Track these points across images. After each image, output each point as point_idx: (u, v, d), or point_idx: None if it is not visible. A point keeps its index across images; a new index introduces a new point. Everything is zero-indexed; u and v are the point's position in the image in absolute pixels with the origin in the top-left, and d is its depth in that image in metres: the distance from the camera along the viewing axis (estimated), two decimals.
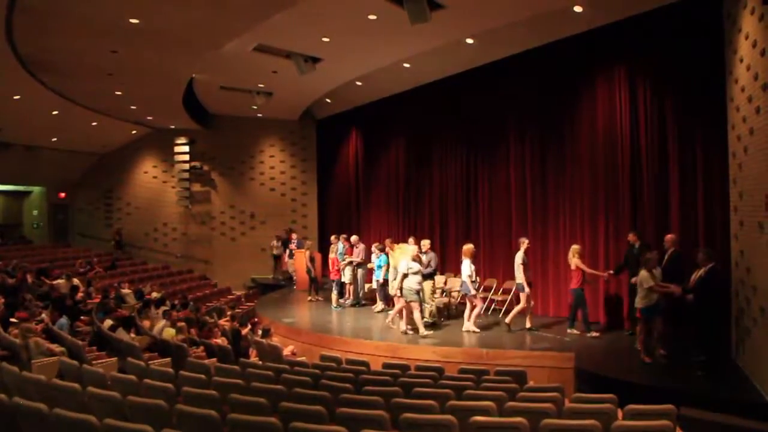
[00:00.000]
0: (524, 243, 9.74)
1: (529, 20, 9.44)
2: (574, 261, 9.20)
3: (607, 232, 10.00)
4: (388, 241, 11.60)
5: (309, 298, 13.40)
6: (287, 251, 16.29)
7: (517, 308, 9.74)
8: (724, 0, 7.96)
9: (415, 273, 9.33)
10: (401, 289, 9.40)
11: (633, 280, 8.56)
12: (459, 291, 10.02)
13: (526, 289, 9.52)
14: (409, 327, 9.61)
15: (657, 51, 9.25)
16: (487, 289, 11.86)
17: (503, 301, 11.25)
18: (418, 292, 9.36)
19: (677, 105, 9.01)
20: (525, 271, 9.50)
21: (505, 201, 12.13)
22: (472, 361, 8.07)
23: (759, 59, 6.17)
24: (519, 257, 9.57)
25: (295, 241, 15.82)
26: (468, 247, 9.70)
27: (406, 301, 9.43)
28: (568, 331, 9.35)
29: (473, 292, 9.49)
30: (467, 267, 9.44)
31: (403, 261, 9.48)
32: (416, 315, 9.37)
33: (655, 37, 9.22)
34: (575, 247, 9.33)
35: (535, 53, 11.03)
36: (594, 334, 9.19)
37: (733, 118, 7.54)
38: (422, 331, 9.32)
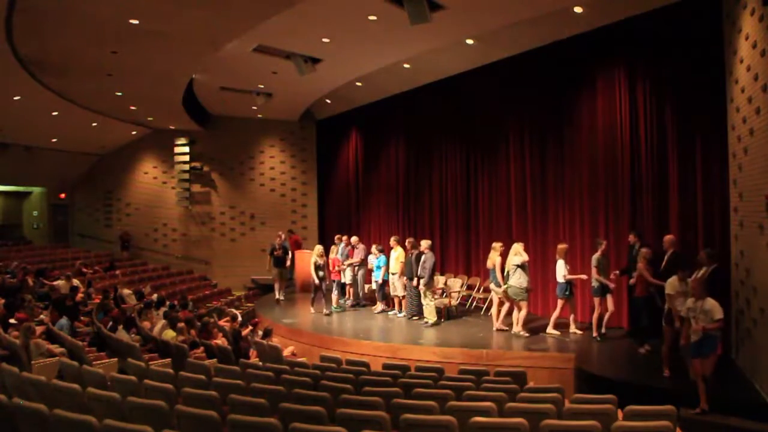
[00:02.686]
0: (602, 244, 8.99)
1: (529, 21, 9.44)
2: (639, 267, 8.20)
3: (606, 232, 9.99)
4: (393, 240, 11.55)
5: (312, 310, 12.03)
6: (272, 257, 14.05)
7: (607, 315, 8.98)
8: (724, 1, 7.96)
9: (524, 270, 9.23)
10: (509, 287, 9.30)
11: (631, 281, 8.56)
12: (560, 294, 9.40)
13: (607, 292, 8.86)
14: (503, 325, 9.64)
15: (657, 52, 9.25)
16: (487, 290, 11.86)
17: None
18: (527, 290, 9.26)
19: (677, 106, 9.00)
20: (600, 273, 8.84)
21: (505, 201, 12.13)
22: (472, 362, 8.09)
23: (759, 60, 6.17)
24: (594, 260, 8.87)
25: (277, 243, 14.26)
26: (562, 246, 9.31)
27: (513, 300, 9.31)
28: (641, 351, 8.21)
29: (567, 294, 9.17)
30: (562, 268, 9.09)
31: (516, 258, 9.22)
32: (523, 313, 9.30)
33: (655, 38, 9.23)
34: (644, 250, 8.27)
35: (535, 53, 11.03)
36: (646, 348, 8.22)
37: (734, 119, 7.54)
38: (517, 329, 9.33)
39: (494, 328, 9.82)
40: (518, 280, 9.17)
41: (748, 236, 6.90)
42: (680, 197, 8.92)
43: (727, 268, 7.69)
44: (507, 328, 9.68)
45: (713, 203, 8.43)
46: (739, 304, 7.30)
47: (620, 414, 4.63)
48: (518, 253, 9.27)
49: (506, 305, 9.76)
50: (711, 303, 5.97)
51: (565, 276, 9.04)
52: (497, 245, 9.84)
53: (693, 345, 6.05)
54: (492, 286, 9.87)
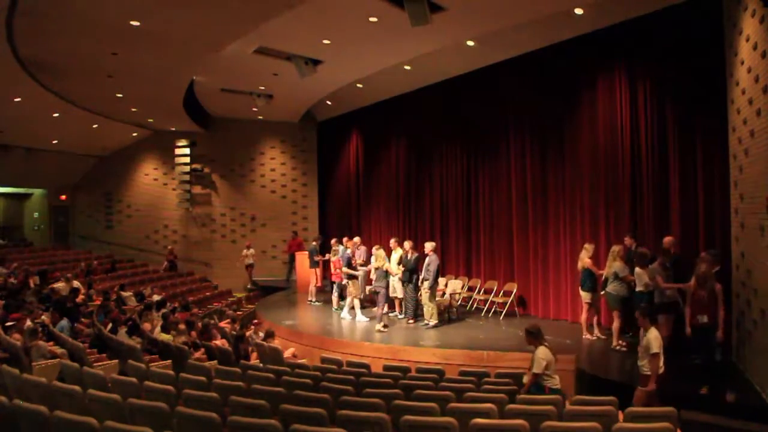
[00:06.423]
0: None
1: (529, 22, 9.45)
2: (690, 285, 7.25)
3: (607, 234, 9.98)
4: (393, 241, 11.52)
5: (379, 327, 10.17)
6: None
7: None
8: (725, 2, 7.96)
9: (621, 279, 8.40)
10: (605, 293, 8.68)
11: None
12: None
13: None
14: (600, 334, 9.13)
15: (657, 53, 9.25)
16: (488, 291, 11.87)
17: (504, 303, 11.24)
18: (623, 300, 8.37)
19: (678, 107, 9.00)
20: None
21: (506, 203, 12.13)
22: (472, 364, 8.08)
23: (760, 61, 6.16)
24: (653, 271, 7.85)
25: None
26: (642, 251, 8.30)
27: (610, 309, 8.72)
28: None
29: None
30: (643, 275, 7.99)
31: (617, 265, 8.47)
32: (616, 324, 8.53)
33: (655, 40, 9.23)
34: (705, 268, 7.08)
35: (535, 55, 11.04)
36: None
37: (734, 121, 7.54)
38: (614, 342, 8.56)
39: (582, 336, 9.18)
40: (617, 287, 8.44)
41: (748, 238, 6.89)
42: (681, 198, 8.91)
43: (727, 269, 7.67)
44: (595, 337, 9.17)
45: (714, 204, 8.41)
46: (740, 305, 7.29)
47: (621, 415, 4.63)
48: (617, 260, 8.46)
49: (585, 312, 9.21)
50: (538, 353, 5.87)
51: (647, 284, 7.87)
52: (589, 246, 9.16)
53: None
54: (581, 290, 9.16)
